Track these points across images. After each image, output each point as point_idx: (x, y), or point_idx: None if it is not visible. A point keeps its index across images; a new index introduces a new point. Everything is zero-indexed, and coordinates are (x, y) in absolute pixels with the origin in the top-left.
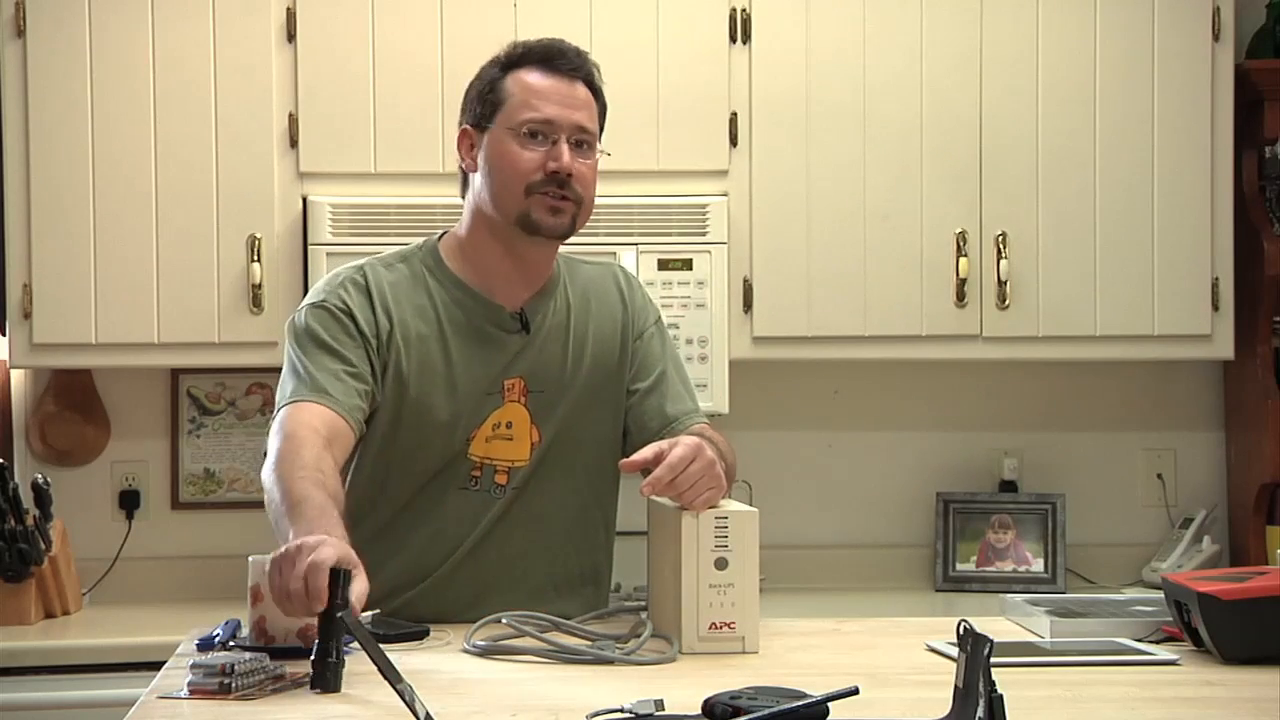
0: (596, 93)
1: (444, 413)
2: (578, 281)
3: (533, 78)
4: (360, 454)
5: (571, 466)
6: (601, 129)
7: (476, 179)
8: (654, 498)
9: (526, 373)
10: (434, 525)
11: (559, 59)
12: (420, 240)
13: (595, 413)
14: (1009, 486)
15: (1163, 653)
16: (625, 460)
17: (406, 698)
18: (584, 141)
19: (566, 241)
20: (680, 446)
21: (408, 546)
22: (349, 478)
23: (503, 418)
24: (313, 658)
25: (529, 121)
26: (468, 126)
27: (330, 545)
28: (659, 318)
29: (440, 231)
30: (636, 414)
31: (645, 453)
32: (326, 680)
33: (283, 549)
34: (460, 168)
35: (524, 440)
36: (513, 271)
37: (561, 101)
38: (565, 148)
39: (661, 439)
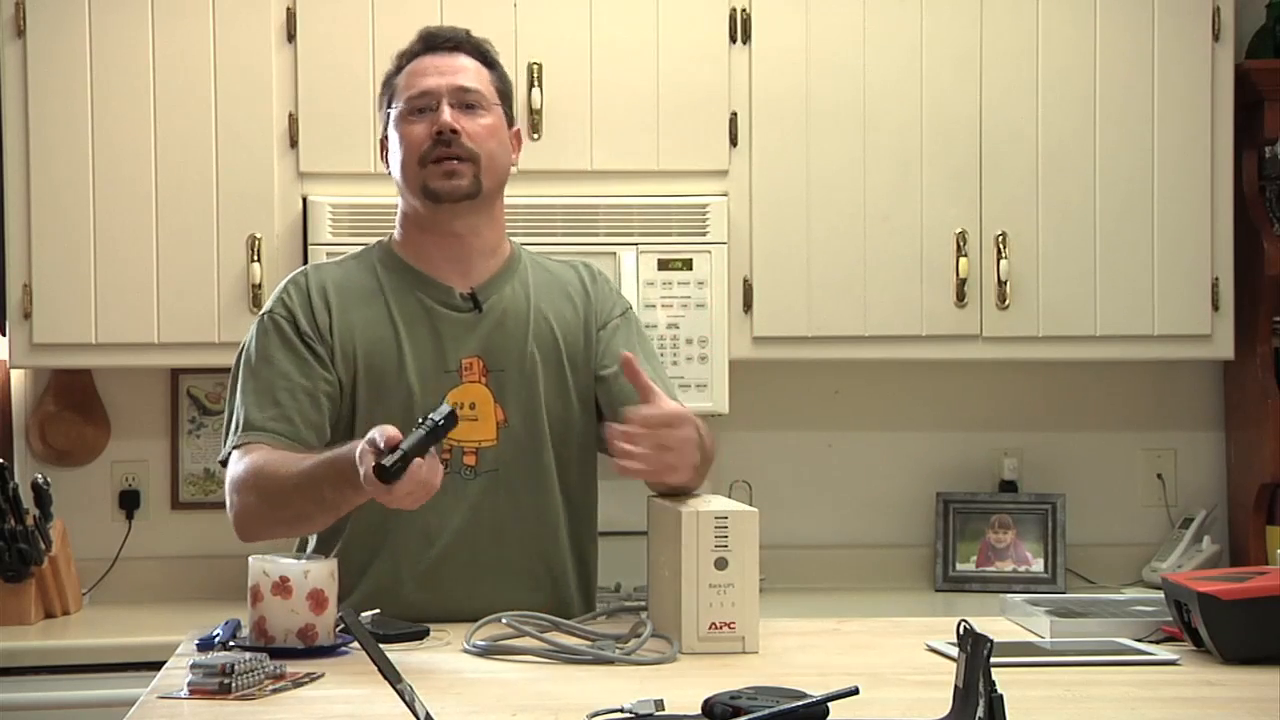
0: (489, 64)
1: (399, 392)
2: (541, 274)
3: (414, 64)
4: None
5: (544, 446)
6: (505, 98)
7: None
8: (633, 468)
9: (483, 351)
10: (415, 515)
11: (433, 39)
12: (375, 240)
13: (562, 396)
14: (1009, 486)
15: (1163, 653)
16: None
17: (406, 698)
18: (471, 103)
19: (543, 234)
20: (671, 407)
21: (391, 540)
22: None
23: (464, 398)
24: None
25: (410, 99)
26: (383, 136)
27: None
28: (627, 310)
29: (392, 232)
30: (608, 397)
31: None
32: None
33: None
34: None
35: (489, 419)
36: (454, 252)
37: (438, 72)
38: (445, 107)
39: None
